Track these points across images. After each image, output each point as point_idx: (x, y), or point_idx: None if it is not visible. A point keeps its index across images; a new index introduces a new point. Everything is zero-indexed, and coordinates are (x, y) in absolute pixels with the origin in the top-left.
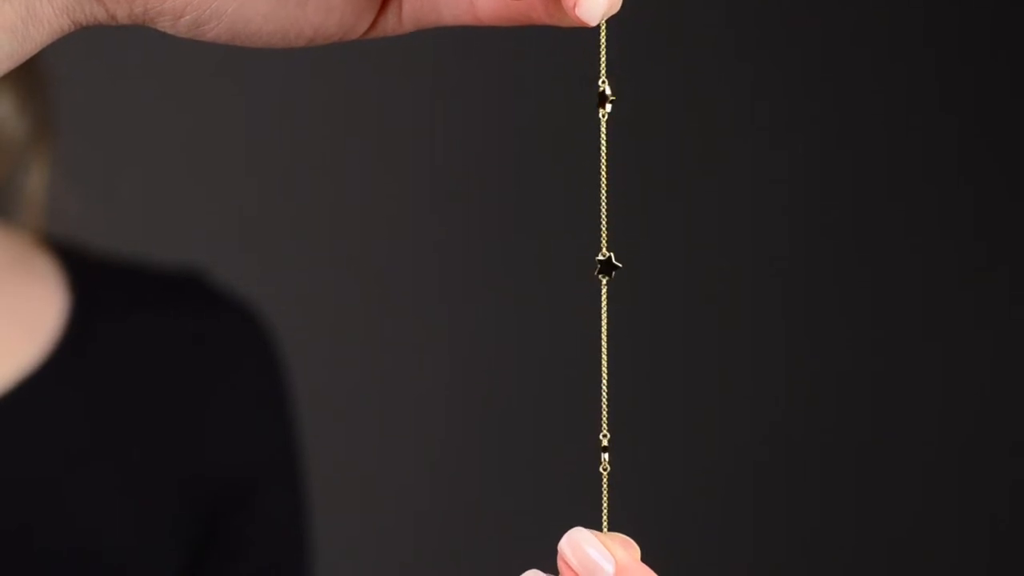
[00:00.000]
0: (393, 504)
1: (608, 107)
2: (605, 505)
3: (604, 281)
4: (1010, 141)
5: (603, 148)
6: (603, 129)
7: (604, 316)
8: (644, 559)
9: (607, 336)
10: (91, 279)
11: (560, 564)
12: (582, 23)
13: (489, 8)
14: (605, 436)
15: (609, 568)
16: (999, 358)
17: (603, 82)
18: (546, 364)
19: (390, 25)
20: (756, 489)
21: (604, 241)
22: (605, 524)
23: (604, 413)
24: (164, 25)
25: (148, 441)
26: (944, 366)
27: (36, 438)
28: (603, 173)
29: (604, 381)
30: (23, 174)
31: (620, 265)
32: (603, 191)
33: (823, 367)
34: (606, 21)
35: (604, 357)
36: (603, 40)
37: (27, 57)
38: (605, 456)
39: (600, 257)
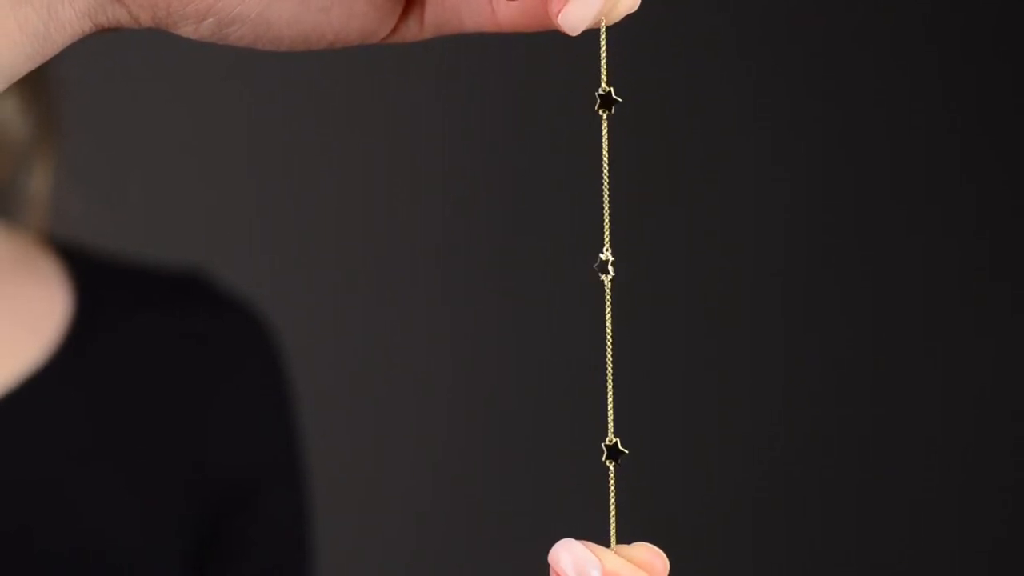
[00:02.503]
0: (395, 505)
1: (606, 112)
2: (612, 504)
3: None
4: (1013, 141)
5: (604, 149)
6: (604, 130)
7: (608, 316)
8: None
9: (611, 336)
10: (94, 279)
11: (552, 574)
12: (564, 32)
13: (509, 15)
14: (611, 440)
15: (596, 575)
16: (1001, 359)
17: (606, 84)
18: (549, 365)
19: (411, 31)
20: (758, 488)
21: (607, 239)
22: (612, 525)
23: (610, 414)
24: (187, 29)
25: (151, 442)
26: (945, 367)
27: (39, 438)
28: (605, 173)
29: (609, 382)
30: (27, 174)
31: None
32: (605, 191)
33: (824, 367)
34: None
35: (609, 357)
36: (603, 44)
37: (47, 59)
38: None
39: (601, 257)
